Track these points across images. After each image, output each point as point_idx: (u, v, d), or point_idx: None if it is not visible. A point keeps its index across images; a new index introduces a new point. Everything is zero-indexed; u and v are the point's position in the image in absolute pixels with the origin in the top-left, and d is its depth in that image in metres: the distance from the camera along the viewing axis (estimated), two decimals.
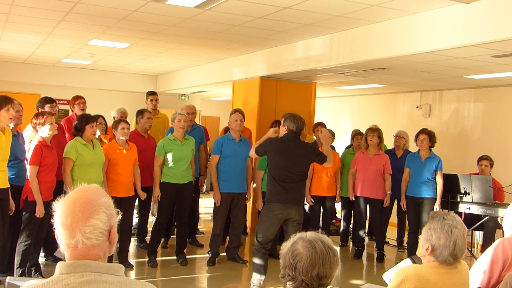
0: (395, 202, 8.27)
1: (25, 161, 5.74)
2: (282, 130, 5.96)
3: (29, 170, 5.62)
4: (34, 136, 5.94)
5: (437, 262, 2.94)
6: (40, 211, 5.63)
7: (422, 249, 3.03)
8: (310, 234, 2.41)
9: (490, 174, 7.84)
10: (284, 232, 6.00)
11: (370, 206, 7.81)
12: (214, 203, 7.19)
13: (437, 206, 7.32)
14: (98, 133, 7.02)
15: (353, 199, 7.91)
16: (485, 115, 9.52)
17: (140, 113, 7.47)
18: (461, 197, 7.52)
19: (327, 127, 8.57)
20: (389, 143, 8.69)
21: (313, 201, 7.98)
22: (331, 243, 2.41)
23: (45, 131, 5.69)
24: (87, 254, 1.84)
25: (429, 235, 2.97)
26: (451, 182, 7.61)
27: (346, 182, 8.27)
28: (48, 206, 5.72)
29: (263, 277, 5.82)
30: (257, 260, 5.85)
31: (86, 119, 6.18)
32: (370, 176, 7.72)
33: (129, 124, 6.71)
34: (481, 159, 7.98)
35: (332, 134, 8.06)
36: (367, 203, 7.83)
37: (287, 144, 5.81)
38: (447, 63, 7.10)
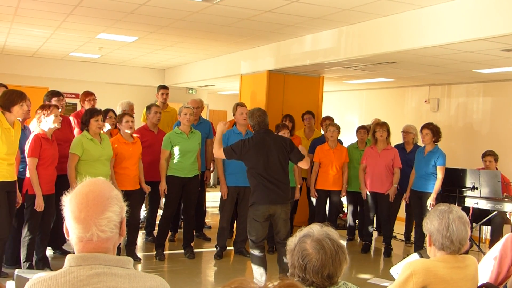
0: (403, 197, 8.26)
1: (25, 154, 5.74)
2: (252, 131, 5.99)
3: (28, 162, 5.62)
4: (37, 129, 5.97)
5: (441, 252, 2.94)
6: (39, 204, 5.64)
7: (427, 243, 3.04)
8: (317, 231, 2.36)
9: (496, 169, 7.80)
10: (272, 227, 5.96)
11: (379, 200, 7.79)
12: (221, 196, 7.20)
13: (430, 201, 7.28)
14: (108, 127, 7.04)
15: (368, 194, 7.85)
16: (494, 109, 9.47)
17: (148, 108, 7.53)
18: (469, 192, 7.49)
19: (335, 121, 8.56)
20: (397, 138, 8.65)
21: (317, 194, 7.98)
22: (338, 239, 2.38)
23: (49, 121, 5.68)
24: (99, 247, 1.85)
25: (425, 224, 3.03)
26: (459, 177, 7.58)
27: (351, 177, 8.25)
28: (49, 199, 5.74)
29: (264, 276, 5.76)
30: (255, 258, 5.84)
31: (90, 113, 6.18)
32: (379, 171, 7.71)
33: (133, 118, 6.73)
34: (485, 154, 7.94)
35: (337, 128, 8.04)
36: (376, 198, 7.81)
37: (260, 142, 5.75)
38: (455, 57, 7.07)
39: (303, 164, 6.03)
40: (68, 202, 1.87)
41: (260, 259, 5.81)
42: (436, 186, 7.35)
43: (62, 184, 5.99)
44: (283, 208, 5.79)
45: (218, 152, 5.85)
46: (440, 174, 7.35)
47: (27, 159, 5.63)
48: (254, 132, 5.91)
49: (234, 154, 5.77)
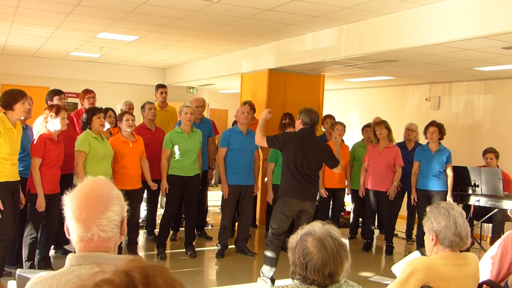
0: (405, 195, 8.25)
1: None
2: (297, 124, 6.05)
3: (32, 162, 5.62)
4: (43, 128, 5.97)
5: (446, 249, 2.94)
6: (40, 204, 5.64)
7: (428, 243, 3.04)
8: (318, 229, 2.34)
9: (497, 166, 7.81)
10: (294, 223, 6.02)
11: (380, 198, 7.79)
12: (222, 195, 7.20)
13: (449, 198, 7.30)
14: (107, 125, 7.04)
15: (363, 195, 7.87)
16: (494, 107, 9.47)
17: (142, 107, 7.59)
18: (470, 190, 7.50)
19: (336, 119, 8.56)
20: (398, 136, 8.64)
21: (326, 193, 7.99)
22: (340, 237, 2.37)
23: (56, 123, 5.69)
24: (100, 247, 1.85)
25: (429, 224, 3.01)
26: (460, 175, 7.59)
27: (357, 175, 8.27)
28: (52, 199, 5.74)
29: (273, 269, 5.85)
30: (269, 252, 5.87)
31: (92, 111, 6.20)
32: (380, 169, 7.70)
33: (133, 116, 6.73)
34: (486, 152, 7.95)
35: (344, 127, 8.06)
36: (377, 196, 7.81)
37: (305, 138, 5.85)
38: (456, 55, 7.06)
39: (337, 169, 6.19)
40: (69, 202, 1.86)
41: (275, 252, 5.86)
42: (450, 183, 7.42)
43: (66, 183, 6.01)
44: (312, 204, 5.96)
45: (261, 139, 5.93)
46: (451, 172, 7.42)
47: (31, 159, 5.64)
48: (301, 129, 5.95)
49: (276, 143, 5.88)
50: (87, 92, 7.48)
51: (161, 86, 8.60)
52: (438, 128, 7.47)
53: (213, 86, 14.63)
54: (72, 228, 1.86)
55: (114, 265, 1.14)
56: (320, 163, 5.98)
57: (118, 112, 7.84)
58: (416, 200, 7.74)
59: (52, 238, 6.18)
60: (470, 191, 7.48)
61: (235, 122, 7.62)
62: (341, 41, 7.59)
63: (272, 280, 5.85)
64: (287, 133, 6.01)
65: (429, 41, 6.18)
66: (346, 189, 8.35)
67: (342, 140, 8.40)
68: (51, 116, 5.69)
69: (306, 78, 9.68)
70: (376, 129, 7.79)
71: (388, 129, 7.79)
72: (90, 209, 1.82)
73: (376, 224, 8.51)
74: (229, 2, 6.40)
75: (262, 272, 5.90)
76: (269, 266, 5.86)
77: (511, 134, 9.03)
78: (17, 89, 5.51)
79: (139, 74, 13.98)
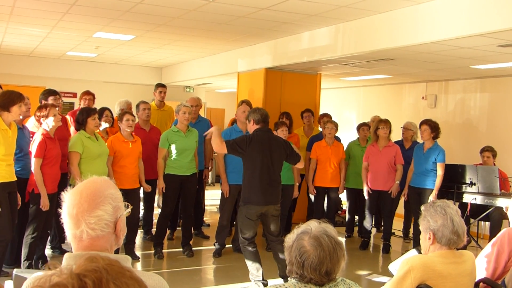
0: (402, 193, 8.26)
1: (30, 154, 5.77)
2: (250, 127, 5.89)
3: (33, 163, 5.65)
4: (36, 129, 5.98)
5: (444, 247, 2.95)
6: (44, 204, 5.68)
7: (425, 242, 3.04)
8: (315, 228, 2.36)
9: (494, 164, 7.82)
10: (262, 224, 6.02)
11: (382, 197, 7.78)
12: (222, 194, 7.20)
13: (431, 198, 7.27)
14: (105, 125, 7.04)
15: (370, 192, 7.80)
16: (491, 105, 9.48)
17: (137, 106, 7.60)
18: (467, 188, 7.50)
19: (333, 118, 8.56)
20: (395, 134, 8.64)
21: (315, 191, 7.98)
22: (336, 235, 2.37)
23: (49, 123, 5.71)
24: (92, 245, 1.85)
25: (425, 222, 3.01)
26: (457, 173, 7.60)
27: (352, 174, 8.25)
28: (52, 198, 5.76)
29: (261, 270, 5.84)
30: (249, 257, 5.86)
31: (87, 112, 6.21)
32: (382, 168, 7.69)
33: (134, 116, 6.74)
34: (483, 150, 7.96)
35: (335, 125, 8.04)
36: (378, 196, 7.81)
37: (266, 139, 5.75)
38: (452, 53, 7.07)
39: (300, 165, 6.14)
40: (66, 199, 1.90)
41: (254, 254, 5.85)
42: (437, 182, 7.35)
43: (61, 183, 6.03)
44: (275, 207, 5.89)
45: (220, 146, 5.60)
46: (440, 171, 7.35)
47: (33, 159, 5.66)
48: (256, 129, 5.80)
49: (238, 149, 5.64)
50: (85, 94, 7.61)
51: (161, 86, 8.58)
52: (429, 127, 7.46)
53: (210, 85, 14.62)
54: (65, 224, 1.89)
55: (75, 264, 1.15)
56: (281, 162, 5.90)
57: (115, 112, 7.84)
58: (407, 196, 7.78)
59: (47, 236, 6.24)
60: (466, 189, 7.48)
61: (234, 121, 7.59)
62: (338, 40, 7.59)
63: (265, 284, 5.84)
64: (247, 137, 5.76)
65: (425, 39, 6.19)
66: (339, 188, 8.25)
67: (337, 138, 8.39)
68: (43, 117, 5.71)
69: (302, 77, 9.68)
70: (381, 127, 7.75)
71: (390, 129, 7.81)
72: (81, 206, 1.84)
73: (373, 222, 8.52)
74: (225, 1, 6.40)
75: (251, 277, 5.88)
76: (255, 270, 5.83)
77: (508, 132, 9.04)
78: (16, 91, 5.50)
79: (136, 73, 13.97)
